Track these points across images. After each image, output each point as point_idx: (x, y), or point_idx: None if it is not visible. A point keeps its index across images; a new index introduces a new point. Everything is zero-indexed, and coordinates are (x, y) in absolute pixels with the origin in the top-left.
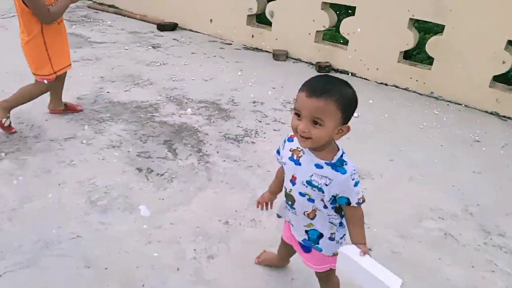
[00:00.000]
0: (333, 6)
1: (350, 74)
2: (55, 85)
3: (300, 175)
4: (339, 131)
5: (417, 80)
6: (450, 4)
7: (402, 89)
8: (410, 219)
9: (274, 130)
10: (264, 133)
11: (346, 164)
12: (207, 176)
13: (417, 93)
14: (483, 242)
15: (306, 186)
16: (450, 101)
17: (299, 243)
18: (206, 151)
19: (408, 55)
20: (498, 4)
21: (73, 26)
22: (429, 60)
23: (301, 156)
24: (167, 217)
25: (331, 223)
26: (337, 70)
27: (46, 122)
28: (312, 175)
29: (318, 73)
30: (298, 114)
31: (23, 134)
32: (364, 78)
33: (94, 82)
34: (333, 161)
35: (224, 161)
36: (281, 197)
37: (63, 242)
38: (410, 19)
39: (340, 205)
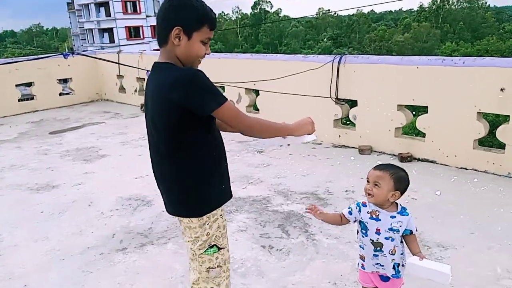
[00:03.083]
0: (409, 107)
1: (431, 161)
2: None
3: (382, 226)
4: (392, 195)
5: (493, 163)
6: None
7: (481, 171)
8: (488, 278)
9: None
10: None
11: (406, 209)
12: (315, 250)
13: (496, 174)
14: None
15: (388, 232)
16: None
17: (380, 276)
18: (312, 231)
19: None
20: None
21: None
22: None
23: (378, 214)
24: (289, 280)
25: (402, 253)
26: (418, 159)
27: None
28: (391, 223)
29: (401, 163)
30: (368, 181)
31: (177, 224)
32: (445, 164)
33: None
34: (399, 210)
35: (327, 238)
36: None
37: None
38: (478, 112)
39: (404, 236)
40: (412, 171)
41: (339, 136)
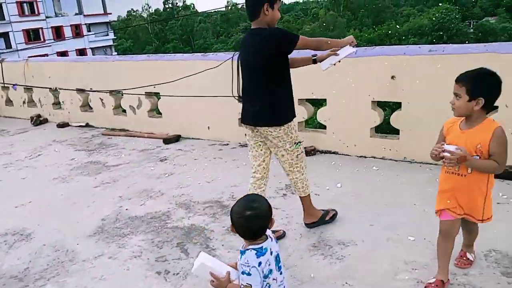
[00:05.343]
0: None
1: (333, 153)
2: None
3: None
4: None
5: (390, 149)
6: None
7: (379, 158)
8: (387, 274)
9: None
10: None
11: (246, 252)
12: None
13: (393, 160)
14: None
15: None
16: (421, 162)
17: None
18: (213, 245)
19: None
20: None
21: (91, 155)
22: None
23: None
24: None
25: None
26: (321, 151)
27: (78, 246)
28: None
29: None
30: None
31: (60, 259)
32: (346, 154)
33: (114, 202)
34: (242, 249)
35: (229, 252)
36: None
37: None
38: (372, 101)
39: None
40: (315, 165)
41: (245, 134)
